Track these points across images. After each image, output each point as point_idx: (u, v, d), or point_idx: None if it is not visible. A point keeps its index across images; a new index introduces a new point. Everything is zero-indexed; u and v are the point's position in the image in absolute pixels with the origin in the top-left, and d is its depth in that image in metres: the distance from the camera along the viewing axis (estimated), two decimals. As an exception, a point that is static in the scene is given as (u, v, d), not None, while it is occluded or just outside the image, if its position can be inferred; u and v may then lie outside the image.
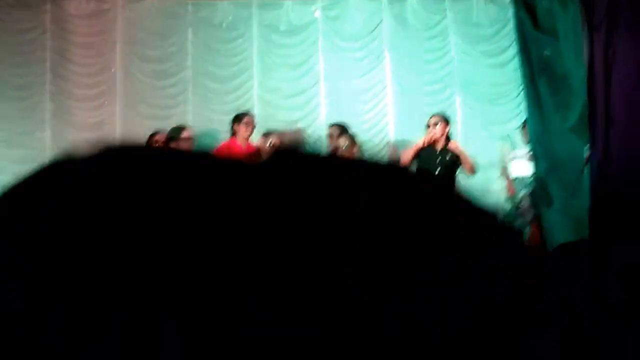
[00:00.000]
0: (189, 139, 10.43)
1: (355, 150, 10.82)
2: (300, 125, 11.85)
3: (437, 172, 10.29)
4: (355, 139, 10.90)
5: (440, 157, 10.51)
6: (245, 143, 10.56)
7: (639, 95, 8.94)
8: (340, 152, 10.78)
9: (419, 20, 11.96)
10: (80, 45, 12.02)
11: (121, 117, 11.95)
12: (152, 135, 10.55)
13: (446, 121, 10.66)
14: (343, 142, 10.90)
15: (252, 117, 10.87)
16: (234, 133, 10.74)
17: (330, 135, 10.93)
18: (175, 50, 12.22)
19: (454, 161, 10.49)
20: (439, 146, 10.60)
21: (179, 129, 10.56)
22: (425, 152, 10.54)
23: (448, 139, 10.67)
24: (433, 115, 10.73)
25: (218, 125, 11.47)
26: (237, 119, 10.75)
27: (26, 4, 11.78)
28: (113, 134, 11.83)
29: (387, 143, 11.62)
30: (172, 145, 10.24)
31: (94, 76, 12.03)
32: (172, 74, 12.20)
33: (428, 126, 10.66)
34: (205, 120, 11.53)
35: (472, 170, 10.39)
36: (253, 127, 10.76)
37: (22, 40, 11.87)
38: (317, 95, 12.12)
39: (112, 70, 12.04)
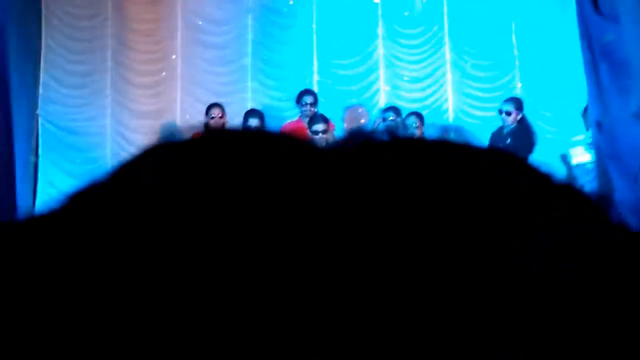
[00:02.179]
0: (221, 117, 10.94)
1: (421, 131, 10.93)
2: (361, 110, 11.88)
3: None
4: (423, 120, 11.02)
5: (499, 141, 10.64)
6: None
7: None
8: (408, 133, 10.87)
9: (479, 4, 11.87)
10: (140, 32, 12.11)
11: (181, 104, 12.02)
12: (207, 110, 11.05)
13: (517, 106, 10.81)
14: (416, 121, 10.95)
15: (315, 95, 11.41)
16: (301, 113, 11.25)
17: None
18: (235, 37, 12.26)
19: (525, 143, 10.63)
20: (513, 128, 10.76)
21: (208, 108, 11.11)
22: (496, 135, 10.73)
23: (520, 121, 10.81)
24: (504, 101, 10.86)
25: (277, 112, 11.55)
26: (299, 97, 11.27)
27: (88, -8, 11.90)
28: (174, 121, 11.93)
29: (444, 127, 11.58)
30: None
31: (154, 63, 12.11)
32: (232, 61, 12.24)
33: (500, 112, 10.81)
34: (265, 107, 11.55)
35: None
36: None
37: (84, 27, 11.98)
38: (377, 81, 12.09)
39: (173, 57, 12.10)
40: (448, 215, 0.69)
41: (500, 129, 10.87)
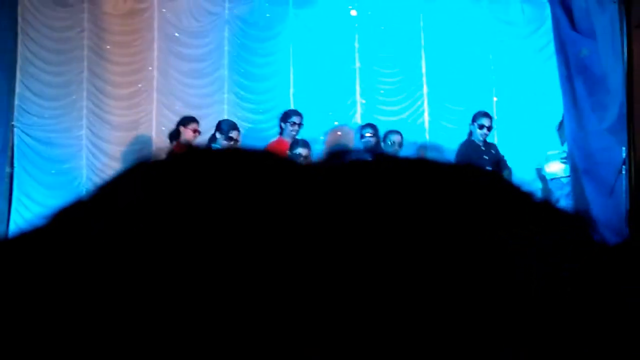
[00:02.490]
0: (199, 134, 11.00)
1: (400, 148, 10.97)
2: (336, 124, 11.90)
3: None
4: (402, 137, 11.06)
5: (485, 153, 10.63)
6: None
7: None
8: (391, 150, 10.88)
9: (455, 18, 11.92)
10: (117, 44, 12.06)
11: (157, 116, 11.99)
12: (187, 121, 11.06)
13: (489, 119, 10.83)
14: (397, 139, 10.97)
15: (300, 115, 11.28)
16: (281, 131, 11.14)
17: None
18: (211, 49, 12.24)
19: (499, 158, 10.61)
20: (484, 142, 10.75)
21: (188, 119, 11.11)
22: (470, 147, 10.68)
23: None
24: (483, 116, 10.85)
25: (253, 125, 11.58)
26: (286, 116, 11.07)
27: (64, 3, 11.83)
28: (149, 133, 11.89)
29: (421, 145, 11.58)
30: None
31: (131, 75, 12.06)
32: (209, 73, 12.22)
33: (481, 127, 10.79)
34: (241, 120, 11.53)
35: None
36: (300, 126, 11.13)
37: (60, 38, 11.93)
38: (353, 94, 12.11)
39: (149, 69, 12.07)
40: (445, 220, 0.69)
41: (472, 141, 10.84)
